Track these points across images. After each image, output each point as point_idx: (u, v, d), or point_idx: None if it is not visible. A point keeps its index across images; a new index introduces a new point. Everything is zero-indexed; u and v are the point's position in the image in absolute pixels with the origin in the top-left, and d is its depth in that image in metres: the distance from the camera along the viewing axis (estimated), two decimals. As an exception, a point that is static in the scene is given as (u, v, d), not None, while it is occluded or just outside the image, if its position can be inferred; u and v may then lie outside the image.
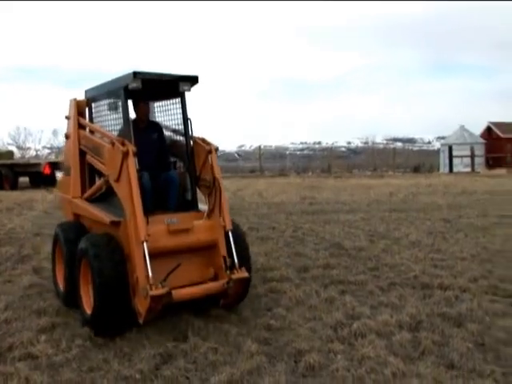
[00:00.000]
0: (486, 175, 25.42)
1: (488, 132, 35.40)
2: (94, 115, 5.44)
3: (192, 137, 5.07)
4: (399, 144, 42.73)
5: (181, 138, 5.23)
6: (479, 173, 27.69)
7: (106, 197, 4.92)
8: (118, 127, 4.89)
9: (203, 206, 5.03)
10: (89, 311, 4.53)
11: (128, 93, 4.70)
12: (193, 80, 4.87)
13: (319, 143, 39.19)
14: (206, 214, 4.86)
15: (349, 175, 27.55)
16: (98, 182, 5.05)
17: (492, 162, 31.56)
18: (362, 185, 20.72)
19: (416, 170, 30.74)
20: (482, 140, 33.80)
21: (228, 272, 4.51)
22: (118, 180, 4.42)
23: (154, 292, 3.96)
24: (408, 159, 34.51)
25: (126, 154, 4.28)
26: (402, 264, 7.28)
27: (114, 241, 4.40)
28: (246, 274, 4.58)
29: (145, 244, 4.06)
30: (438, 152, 34.23)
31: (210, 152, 4.90)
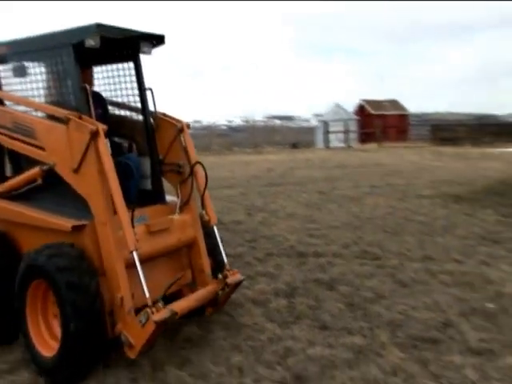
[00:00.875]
0: (359, 149, 27.39)
1: (360, 109, 37.95)
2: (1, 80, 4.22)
3: (153, 112, 4.30)
4: (278, 122, 43.98)
5: (132, 114, 4.48)
6: (353, 147, 29.71)
7: (39, 192, 3.89)
8: (56, 98, 3.85)
9: (170, 198, 4.41)
10: (49, 354, 3.55)
11: (79, 52, 3.68)
12: (158, 40, 4.05)
13: (199, 122, 38.96)
14: (178, 207, 4.22)
15: (229, 152, 27.89)
16: (27, 173, 3.91)
17: (364, 137, 33.98)
18: (241, 161, 21.13)
19: (294, 146, 32.10)
20: (355, 116, 36.17)
21: (220, 276, 4.00)
22: (77, 171, 3.52)
23: (158, 316, 3.26)
24: (287, 136, 35.88)
25: (94, 135, 3.43)
26: (278, 235, 7.58)
27: (84, 254, 3.51)
28: (241, 277, 4.13)
29: (135, 254, 3.31)
30: (315, 129, 36.00)
31: (181, 130, 4.22)
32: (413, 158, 20.87)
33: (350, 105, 38.82)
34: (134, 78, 4.33)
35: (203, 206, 4.14)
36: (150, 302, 3.29)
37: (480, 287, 5.54)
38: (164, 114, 4.34)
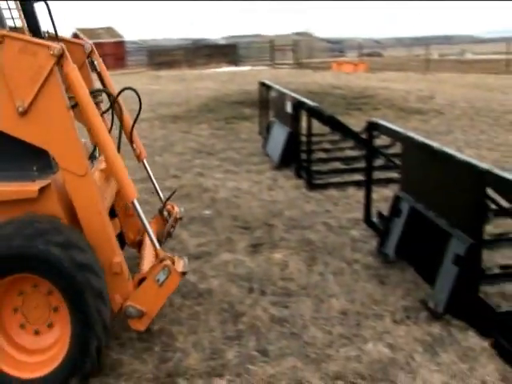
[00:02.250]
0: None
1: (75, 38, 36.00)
2: None
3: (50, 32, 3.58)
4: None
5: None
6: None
7: None
8: None
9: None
10: (31, 374, 2.81)
11: None
12: None
13: None
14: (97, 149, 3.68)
15: None
16: None
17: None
18: None
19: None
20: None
21: (166, 213, 3.81)
22: (26, 112, 2.77)
23: (182, 265, 3.00)
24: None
25: (59, 59, 2.73)
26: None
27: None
28: (180, 209, 3.98)
29: (136, 202, 2.99)
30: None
31: (91, 52, 3.69)
32: (132, 83, 20.76)
33: (66, 34, 36.13)
34: None
35: (131, 140, 3.70)
36: (162, 254, 2.99)
37: (197, 197, 5.93)
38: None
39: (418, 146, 3.92)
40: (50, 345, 2.84)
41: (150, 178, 3.91)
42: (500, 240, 4.45)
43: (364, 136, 5.88)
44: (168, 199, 3.76)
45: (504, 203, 4.39)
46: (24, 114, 2.75)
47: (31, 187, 2.82)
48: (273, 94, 7.95)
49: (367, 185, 4.87)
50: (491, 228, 4.76)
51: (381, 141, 8.00)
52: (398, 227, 4.11)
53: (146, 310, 2.94)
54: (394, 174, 6.04)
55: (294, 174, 6.73)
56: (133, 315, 2.93)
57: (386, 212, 4.47)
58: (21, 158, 2.89)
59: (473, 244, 3.20)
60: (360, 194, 5.52)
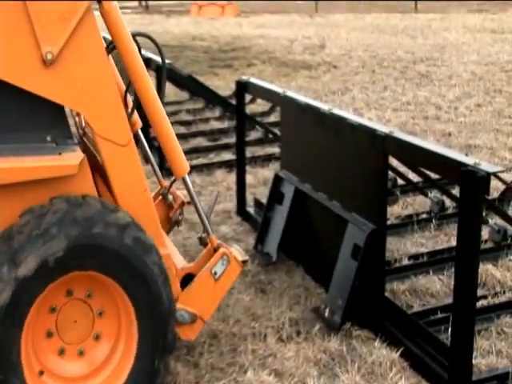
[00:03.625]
0: None
1: None
2: None
3: None
4: None
5: None
6: None
7: None
8: None
9: None
10: None
11: None
12: None
13: None
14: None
15: None
16: None
17: None
18: None
19: None
20: None
21: (171, 197, 3.77)
22: (54, 62, 2.79)
23: (240, 253, 3.30)
24: None
25: None
26: None
27: None
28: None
29: (188, 178, 3.28)
30: None
31: None
32: None
33: None
34: None
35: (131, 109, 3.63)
36: (216, 242, 3.26)
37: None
38: None
39: (301, 109, 4.11)
40: (103, 362, 2.92)
41: (146, 152, 3.91)
42: (408, 224, 4.83)
43: (234, 101, 6.03)
44: (173, 182, 3.77)
45: (413, 176, 4.86)
46: (51, 63, 2.77)
47: (68, 161, 2.87)
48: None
49: (239, 165, 5.01)
50: (398, 209, 5.18)
51: (259, 107, 8.33)
52: (281, 217, 4.29)
53: (199, 313, 3.14)
54: (276, 149, 6.28)
55: (141, 156, 6.68)
56: (185, 321, 3.09)
57: (265, 199, 4.63)
58: (32, 123, 2.93)
59: (374, 231, 3.44)
60: (231, 178, 5.66)
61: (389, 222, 4.78)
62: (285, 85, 10.13)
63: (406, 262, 4.20)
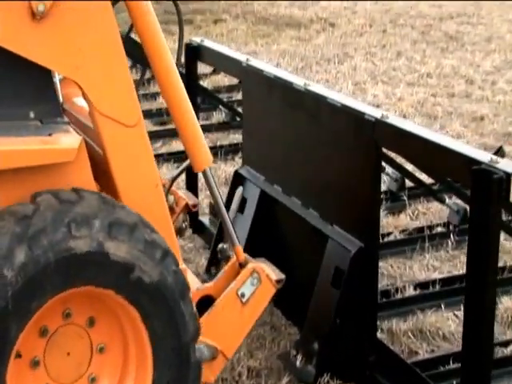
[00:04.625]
0: None
1: None
2: None
3: None
4: None
5: None
6: None
7: None
8: None
9: None
10: None
11: None
12: None
13: None
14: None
15: None
16: None
17: None
18: None
19: None
20: None
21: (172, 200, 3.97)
22: (46, 16, 2.82)
23: (274, 272, 3.34)
24: None
25: None
26: None
27: None
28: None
29: (209, 172, 3.37)
30: None
31: None
32: None
33: None
34: None
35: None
36: (243, 255, 3.34)
37: None
38: None
39: (269, 85, 4.13)
40: None
41: None
42: (418, 239, 4.87)
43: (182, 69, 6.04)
44: (176, 178, 3.94)
45: (426, 178, 4.87)
46: (43, 17, 2.83)
47: (62, 145, 2.94)
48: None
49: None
50: (405, 219, 5.21)
51: (227, 78, 8.29)
52: (242, 230, 4.29)
53: (220, 347, 3.18)
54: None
55: None
56: (204, 357, 3.13)
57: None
58: (10, 95, 2.97)
59: (362, 250, 3.46)
60: (181, 176, 5.64)
61: (391, 238, 4.84)
62: (263, 49, 10.18)
63: (411, 291, 4.24)
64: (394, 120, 3.35)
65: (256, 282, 3.25)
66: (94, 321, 2.87)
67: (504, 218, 4.13)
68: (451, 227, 4.93)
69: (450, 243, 4.82)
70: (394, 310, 4.07)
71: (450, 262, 4.67)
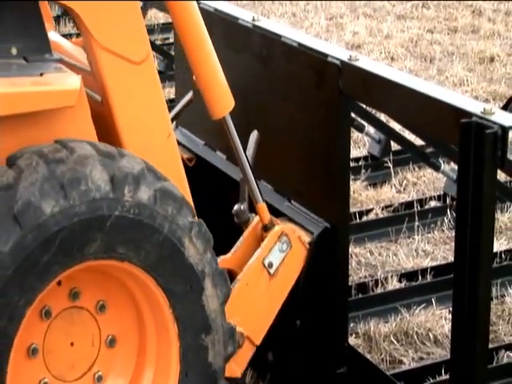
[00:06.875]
0: None
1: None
2: None
3: None
4: None
5: None
6: None
7: None
8: None
9: None
10: None
11: None
12: None
13: None
14: None
15: None
16: None
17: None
18: None
19: None
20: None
21: None
22: None
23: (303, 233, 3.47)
24: None
25: None
26: None
27: None
28: None
29: (229, 118, 3.45)
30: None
31: None
32: None
33: None
34: None
35: None
36: (268, 216, 3.41)
37: None
38: None
39: (209, 21, 4.13)
40: None
41: None
42: (405, 217, 4.90)
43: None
44: (177, 117, 4.08)
45: (414, 138, 4.87)
46: None
47: (60, 86, 3.01)
48: None
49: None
50: (390, 192, 5.24)
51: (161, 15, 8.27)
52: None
53: (246, 332, 3.34)
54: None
55: None
56: (240, 341, 3.29)
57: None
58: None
59: (327, 230, 3.50)
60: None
61: (371, 216, 4.88)
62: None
63: (394, 284, 4.29)
64: (365, 63, 3.35)
65: (286, 247, 3.36)
66: (105, 306, 2.94)
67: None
68: (448, 200, 4.96)
69: (446, 221, 4.83)
70: (373, 309, 4.10)
71: (445, 246, 4.70)
